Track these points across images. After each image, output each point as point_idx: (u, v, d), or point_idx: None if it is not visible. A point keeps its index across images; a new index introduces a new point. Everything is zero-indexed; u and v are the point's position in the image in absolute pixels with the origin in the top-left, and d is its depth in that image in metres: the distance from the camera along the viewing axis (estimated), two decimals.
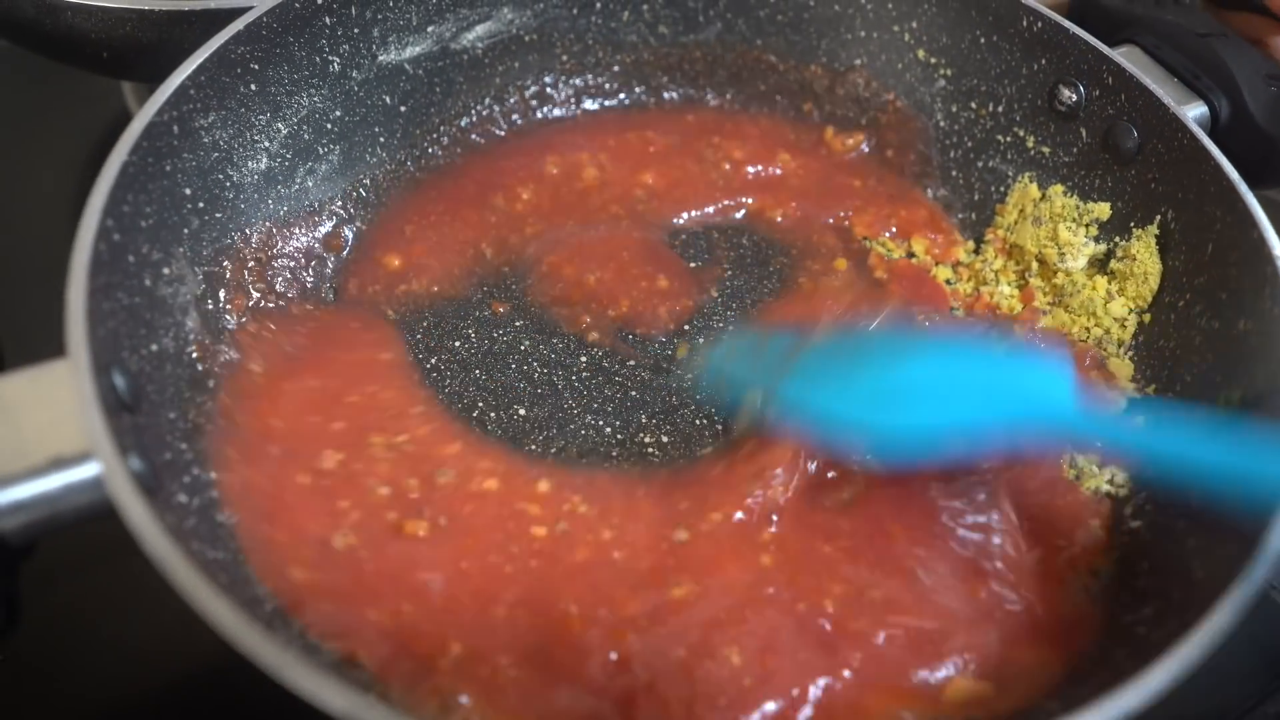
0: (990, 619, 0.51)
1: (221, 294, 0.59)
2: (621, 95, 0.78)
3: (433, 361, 0.62)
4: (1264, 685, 0.61)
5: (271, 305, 0.61)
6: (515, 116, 0.75)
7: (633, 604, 0.50)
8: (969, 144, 0.73)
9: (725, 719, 0.46)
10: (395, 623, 0.48)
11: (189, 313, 0.55)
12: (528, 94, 0.76)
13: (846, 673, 0.48)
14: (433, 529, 0.52)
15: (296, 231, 0.65)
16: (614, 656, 0.48)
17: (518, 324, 0.65)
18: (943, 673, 0.48)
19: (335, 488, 0.53)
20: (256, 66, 0.61)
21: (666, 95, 0.78)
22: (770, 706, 0.47)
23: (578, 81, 0.77)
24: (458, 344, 0.63)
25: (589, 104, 0.77)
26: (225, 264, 0.59)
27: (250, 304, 0.60)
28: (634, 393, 0.62)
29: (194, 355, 0.54)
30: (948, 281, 0.69)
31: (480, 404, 0.60)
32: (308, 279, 0.64)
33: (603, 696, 0.47)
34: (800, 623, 0.49)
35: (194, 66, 0.56)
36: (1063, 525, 0.55)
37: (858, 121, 0.76)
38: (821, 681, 0.47)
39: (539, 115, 0.76)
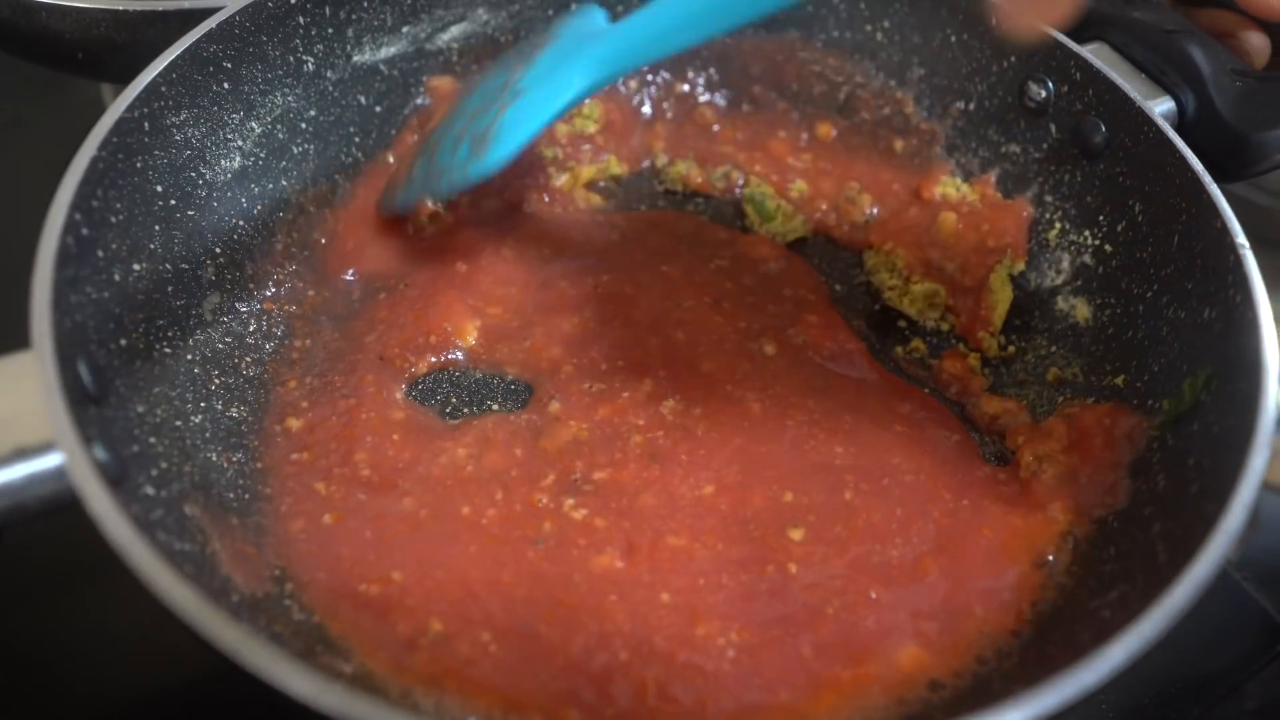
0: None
1: (196, 291, 0.59)
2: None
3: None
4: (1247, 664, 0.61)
5: (247, 304, 0.61)
6: None
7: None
8: (941, 142, 0.74)
9: (696, 699, 0.46)
10: (383, 593, 0.49)
11: (162, 308, 0.55)
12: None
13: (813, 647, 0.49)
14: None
15: (270, 230, 0.65)
16: (600, 632, 0.48)
17: None
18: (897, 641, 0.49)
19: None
20: (229, 65, 0.61)
21: (642, 93, 0.79)
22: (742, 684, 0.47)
23: None
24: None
25: None
26: (198, 261, 0.59)
27: (225, 301, 0.60)
28: None
29: (167, 352, 0.55)
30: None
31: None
32: (282, 277, 0.64)
33: (579, 674, 0.47)
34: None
35: (165, 64, 0.56)
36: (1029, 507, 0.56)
37: (831, 120, 0.77)
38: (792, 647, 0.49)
39: None
